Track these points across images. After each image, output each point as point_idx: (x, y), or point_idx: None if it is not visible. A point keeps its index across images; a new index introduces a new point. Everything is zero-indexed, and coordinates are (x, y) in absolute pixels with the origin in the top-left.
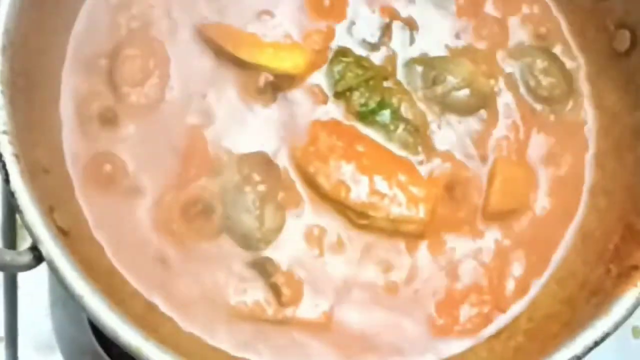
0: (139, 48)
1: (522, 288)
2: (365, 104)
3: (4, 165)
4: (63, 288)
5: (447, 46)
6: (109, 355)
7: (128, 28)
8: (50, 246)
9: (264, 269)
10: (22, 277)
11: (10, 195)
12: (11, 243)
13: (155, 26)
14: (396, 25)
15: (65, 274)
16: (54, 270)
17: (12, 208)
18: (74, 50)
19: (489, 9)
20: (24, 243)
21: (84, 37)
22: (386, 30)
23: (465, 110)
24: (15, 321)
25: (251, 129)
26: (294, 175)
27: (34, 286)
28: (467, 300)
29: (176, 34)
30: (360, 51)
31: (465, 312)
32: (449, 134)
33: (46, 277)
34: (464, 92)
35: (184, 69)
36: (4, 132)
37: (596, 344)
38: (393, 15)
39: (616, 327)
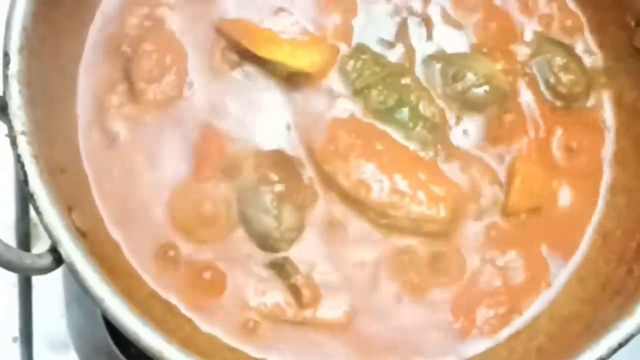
0: (155, 44)
1: (540, 288)
2: (383, 102)
3: (22, 166)
4: (83, 291)
5: (464, 42)
6: (125, 354)
7: (143, 25)
8: (70, 248)
9: (283, 269)
10: (36, 276)
11: (29, 197)
12: (25, 244)
13: (171, 22)
14: (412, 22)
15: (85, 276)
16: (74, 273)
17: (26, 208)
18: (90, 48)
19: (508, 5)
20: (38, 242)
21: (100, 34)
22: (402, 26)
23: (484, 107)
24: (30, 320)
25: (269, 127)
26: (312, 173)
27: (48, 285)
28: (483, 301)
29: (193, 30)
30: (377, 48)
31: (482, 313)
32: (469, 131)
33: (61, 276)
34: (484, 89)
35: (202, 65)
36: (23, 133)
37: (620, 345)
38: (409, 11)
39: None
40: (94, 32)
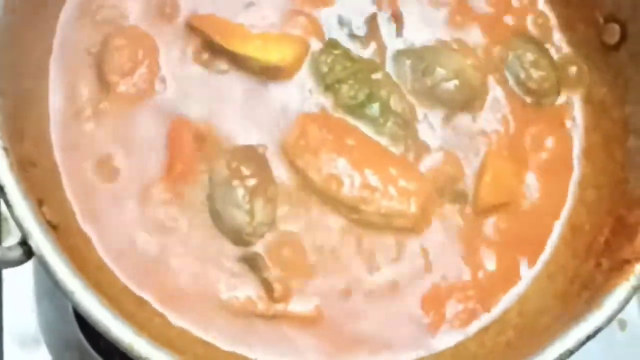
0: (127, 38)
1: (509, 282)
2: (354, 97)
3: None
4: (53, 284)
5: (434, 38)
6: (96, 349)
7: (115, 18)
8: (40, 241)
9: (255, 264)
10: (6, 271)
11: None
12: None
13: (143, 16)
14: (382, 17)
15: (56, 269)
16: (44, 266)
17: None
18: (61, 41)
19: (478, 2)
20: (8, 237)
21: (70, 27)
22: (372, 21)
23: (454, 102)
24: (0, 316)
25: (241, 122)
26: (283, 168)
27: (18, 280)
28: (453, 295)
29: (165, 24)
30: (348, 43)
31: (452, 308)
32: (438, 127)
33: (31, 271)
34: (453, 84)
35: (174, 60)
36: None
37: (589, 338)
38: (379, 6)
39: (609, 321)
40: (65, 25)
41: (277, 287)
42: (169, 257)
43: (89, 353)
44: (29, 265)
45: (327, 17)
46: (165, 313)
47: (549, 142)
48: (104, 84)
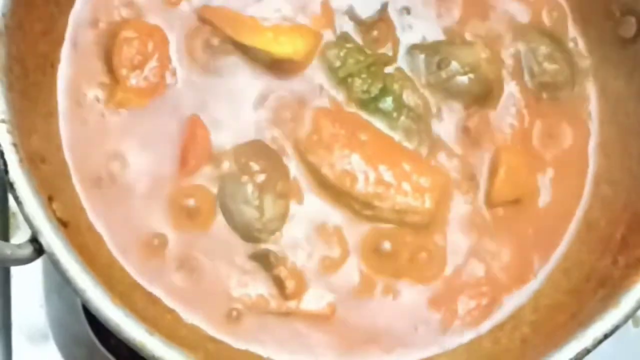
0: (137, 31)
1: (523, 279)
2: (367, 91)
3: (2, 155)
4: (64, 281)
5: (447, 31)
6: (105, 345)
7: (125, 11)
8: (51, 238)
9: (266, 261)
10: (15, 266)
11: (9, 186)
12: (4, 234)
13: (154, 8)
14: (394, 8)
15: (67, 266)
16: (55, 263)
17: (4, 198)
18: (71, 34)
19: None
20: (17, 232)
21: (81, 20)
22: (384, 13)
23: (469, 96)
24: (9, 311)
25: (252, 116)
26: (296, 163)
27: (27, 276)
28: (465, 292)
29: (175, 17)
30: (360, 36)
31: (464, 304)
32: (453, 121)
33: (40, 267)
34: (468, 77)
35: (185, 52)
36: (3, 121)
37: (606, 336)
38: None
39: (626, 319)
40: (75, 18)
41: (289, 284)
42: (181, 253)
43: (98, 349)
44: (39, 260)
45: (339, 9)
46: (176, 310)
47: (564, 136)
48: (113, 78)
